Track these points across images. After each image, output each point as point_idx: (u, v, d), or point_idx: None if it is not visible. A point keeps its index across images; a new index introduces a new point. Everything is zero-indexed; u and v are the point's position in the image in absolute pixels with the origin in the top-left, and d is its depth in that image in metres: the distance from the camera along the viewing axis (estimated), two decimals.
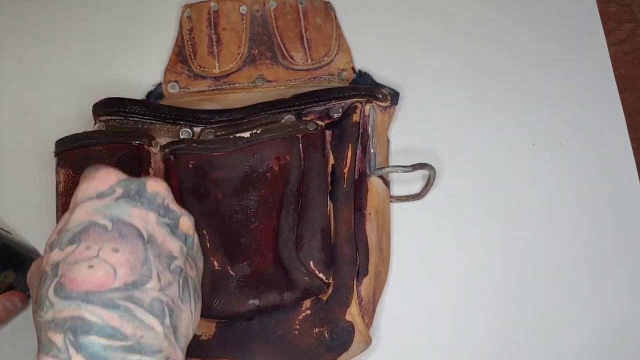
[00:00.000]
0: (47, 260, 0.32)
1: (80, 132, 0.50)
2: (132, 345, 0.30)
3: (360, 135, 0.51)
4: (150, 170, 0.49)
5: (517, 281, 0.52)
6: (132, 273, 0.31)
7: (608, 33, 0.61)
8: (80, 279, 0.30)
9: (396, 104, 0.56)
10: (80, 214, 0.33)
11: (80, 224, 0.32)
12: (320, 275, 0.46)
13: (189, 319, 0.35)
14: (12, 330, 0.51)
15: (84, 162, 0.48)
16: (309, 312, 0.47)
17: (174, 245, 0.35)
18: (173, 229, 0.35)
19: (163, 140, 0.51)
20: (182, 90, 0.58)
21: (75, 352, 0.29)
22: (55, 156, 0.50)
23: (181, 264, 0.35)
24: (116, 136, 0.50)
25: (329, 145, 0.51)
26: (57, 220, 0.48)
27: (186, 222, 0.37)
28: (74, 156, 0.49)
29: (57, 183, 0.49)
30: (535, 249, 0.53)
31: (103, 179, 0.34)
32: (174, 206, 0.36)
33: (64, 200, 0.48)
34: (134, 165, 0.48)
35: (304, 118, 0.52)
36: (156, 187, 0.36)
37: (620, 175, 0.56)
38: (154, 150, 0.50)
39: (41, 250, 0.52)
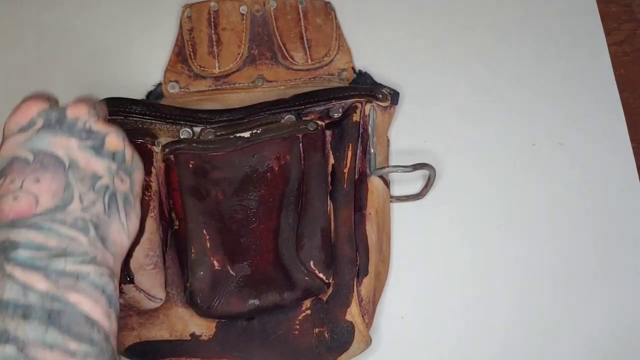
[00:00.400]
0: None
1: None
2: (57, 252, 0.33)
3: (360, 135, 0.51)
4: (153, 170, 0.49)
5: (517, 281, 0.52)
6: (54, 199, 0.34)
7: (608, 33, 0.61)
8: (7, 210, 0.33)
9: (396, 104, 0.56)
10: (5, 150, 0.35)
11: (5, 160, 0.35)
12: (321, 275, 0.46)
13: (120, 228, 0.37)
14: None
15: None
16: (309, 312, 0.47)
17: (99, 165, 0.37)
18: (98, 149, 0.37)
19: (163, 140, 0.51)
20: (182, 90, 0.58)
21: (7, 264, 0.32)
22: None
23: (107, 181, 0.37)
24: None
25: (329, 145, 0.51)
26: None
27: (112, 140, 0.38)
28: None
29: None
30: (535, 248, 0.53)
31: (24, 112, 0.36)
32: (99, 127, 0.38)
33: None
34: None
35: (304, 118, 0.52)
36: (76, 112, 0.37)
37: (620, 175, 0.56)
38: (156, 149, 0.50)
39: None
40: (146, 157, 0.49)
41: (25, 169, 0.34)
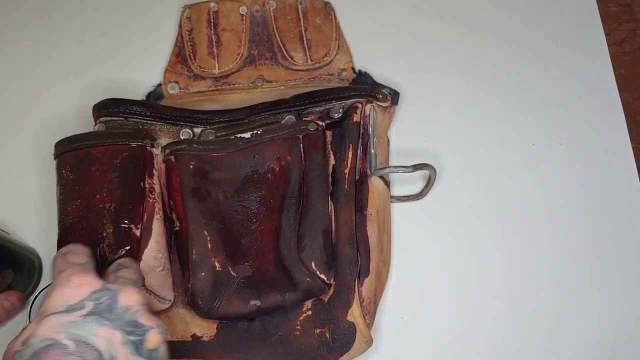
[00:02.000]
0: None
1: (80, 133, 0.50)
2: None
3: (360, 136, 0.51)
4: (154, 172, 0.49)
5: (517, 281, 0.52)
6: None
7: (608, 33, 0.61)
8: None
9: (396, 104, 0.56)
10: (46, 329, 0.32)
11: (44, 341, 0.32)
12: (322, 276, 0.46)
13: None
14: (11, 330, 0.51)
15: (84, 163, 0.48)
16: (310, 312, 0.47)
17: None
18: (138, 345, 0.35)
19: (164, 141, 0.51)
20: (182, 90, 0.58)
21: None
22: (54, 158, 0.49)
23: None
24: (118, 137, 0.49)
25: (329, 146, 0.51)
26: (59, 216, 0.48)
27: (154, 337, 0.36)
28: (75, 157, 0.48)
29: (58, 185, 0.48)
30: (535, 248, 0.53)
31: (75, 290, 0.34)
32: (145, 319, 0.36)
33: (64, 204, 0.48)
34: (137, 167, 0.48)
35: (304, 118, 0.52)
36: (128, 300, 0.35)
37: (620, 175, 0.56)
38: (156, 151, 0.50)
39: (39, 250, 0.53)
40: (147, 160, 0.49)
41: (62, 359, 0.32)
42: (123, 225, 0.45)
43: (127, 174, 0.47)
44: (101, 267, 0.45)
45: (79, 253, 0.38)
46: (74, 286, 0.34)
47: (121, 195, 0.46)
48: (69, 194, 0.47)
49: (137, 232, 0.46)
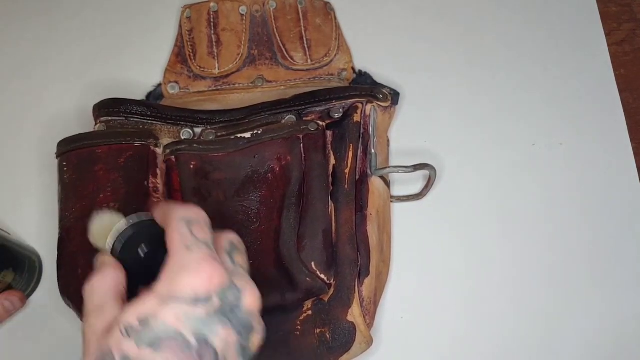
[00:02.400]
0: (119, 344, 0.30)
1: (80, 132, 0.50)
2: None
3: (361, 136, 0.51)
4: (158, 172, 0.49)
5: (518, 281, 0.52)
6: None
7: (608, 33, 0.61)
8: None
9: (396, 104, 0.56)
10: (170, 316, 0.31)
11: (167, 329, 0.30)
12: (322, 276, 0.46)
13: None
14: (11, 330, 0.51)
15: (88, 162, 0.48)
16: (310, 312, 0.47)
17: None
18: (245, 349, 0.33)
19: (164, 141, 0.51)
20: (182, 90, 0.58)
21: None
22: (57, 157, 0.49)
23: None
24: (121, 136, 0.49)
25: (329, 146, 0.51)
26: (60, 216, 0.48)
27: (257, 340, 0.34)
28: (78, 157, 0.48)
29: (59, 185, 0.48)
30: (535, 248, 0.53)
31: (205, 282, 0.32)
32: (255, 322, 0.34)
33: (66, 203, 0.48)
34: (141, 166, 0.48)
35: (304, 118, 0.52)
36: (252, 304, 0.34)
37: (620, 175, 0.56)
38: (159, 150, 0.50)
39: (39, 250, 0.53)
40: (150, 160, 0.49)
41: (182, 355, 0.30)
42: None
43: (131, 173, 0.48)
44: None
45: (204, 225, 0.35)
46: (205, 276, 0.32)
47: (125, 195, 0.47)
48: (71, 194, 0.47)
49: None
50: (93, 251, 0.45)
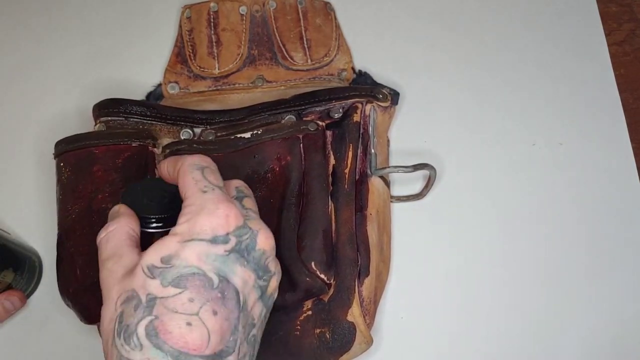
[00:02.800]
0: (144, 285, 0.31)
1: (80, 132, 0.50)
2: None
3: (360, 136, 0.51)
4: (156, 172, 0.49)
5: (517, 281, 0.52)
6: (222, 341, 0.31)
7: (608, 33, 0.61)
8: (177, 335, 0.30)
9: (396, 104, 0.56)
10: (191, 255, 0.32)
11: (190, 268, 0.31)
12: (322, 275, 0.46)
13: None
14: (11, 330, 0.51)
15: (86, 163, 0.48)
16: (310, 312, 0.47)
17: (257, 311, 0.34)
18: (264, 291, 0.34)
19: (164, 141, 0.51)
20: (181, 90, 0.58)
21: None
22: (55, 157, 0.49)
23: (256, 332, 0.34)
24: (119, 137, 0.49)
25: (329, 146, 0.51)
26: (58, 216, 0.48)
27: (274, 283, 0.36)
28: (75, 157, 0.48)
29: (58, 185, 0.48)
30: (535, 248, 0.53)
31: (222, 221, 0.33)
32: (272, 265, 0.35)
33: (64, 204, 0.48)
34: (139, 167, 0.48)
35: (304, 118, 0.52)
36: (265, 244, 0.35)
37: (620, 175, 0.56)
38: (157, 151, 0.50)
39: (39, 250, 0.53)
40: (148, 159, 0.49)
41: (206, 293, 0.31)
42: None
43: (129, 173, 0.47)
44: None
45: (215, 171, 0.36)
46: (222, 216, 0.33)
47: None
48: (69, 194, 0.47)
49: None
50: (91, 252, 0.45)
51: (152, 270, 0.31)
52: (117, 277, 0.33)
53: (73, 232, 0.46)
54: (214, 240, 0.32)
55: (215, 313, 0.31)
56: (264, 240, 0.34)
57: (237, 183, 0.39)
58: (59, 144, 0.49)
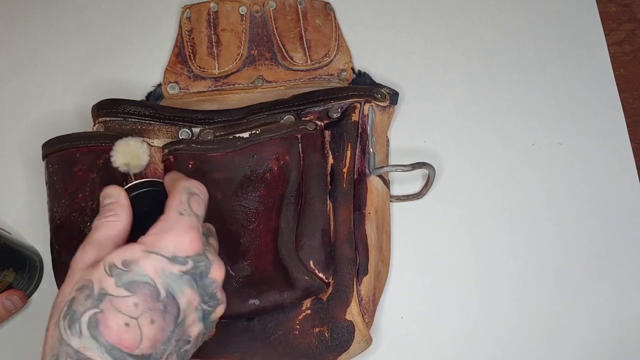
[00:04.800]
0: (100, 279, 0.33)
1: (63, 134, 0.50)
2: None
3: (359, 135, 0.51)
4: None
5: (517, 280, 0.52)
6: (152, 347, 0.33)
7: (608, 33, 0.61)
8: (114, 331, 0.32)
9: (395, 103, 0.56)
10: (149, 266, 0.34)
11: (144, 277, 0.34)
12: (320, 274, 0.46)
13: None
14: (11, 330, 0.51)
15: (68, 163, 0.48)
16: (309, 311, 0.47)
17: (196, 331, 0.36)
18: (207, 315, 0.37)
19: (162, 141, 0.51)
20: (181, 91, 0.58)
21: None
22: (43, 159, 0.50)
23: (190, 348, 0.36)
24: (101, 138, 0.50)
25: (328, 145, 0.51)
26: (49, 217, 0.49)
27: (220, 310, 0.38)
28: (59, 158, 0.49)
29: (46, 186, 0.49)
30: (535, 248, 0.53)
31: (186, 246, 0.36)
32: (220, 294, 0.38)
33: (51, 204, 0.48)
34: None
35: (303, 118, 0.52)
36: (217, 274, 0.37)
37: (620, 175, 0.56)
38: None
39: (40, 250, 0.53)
40: None
41: (151, 302, 0.33)
42: None
43: (109, 173, 0.48)
44: None
45: (201, 201, 0.39)
46: (186, 241, 0.36)
47: None
48: (54, 194, 0.48)
49: None
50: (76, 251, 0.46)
51: (112, 269, 0.34)
52: (85, 263, 0.35)
53: (59, 232, 0.47)
54: (173, 259, 0.35)
55: (152, 322, 0.33)
56: (217, 271, 0.37)
57: (209, 225, 0.42)
58: (44, 146, 0.50)
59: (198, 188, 0.39)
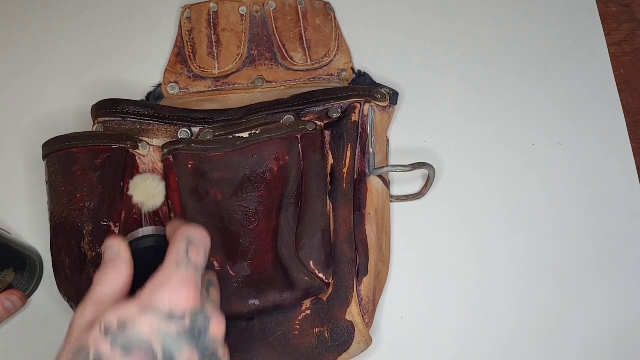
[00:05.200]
0: (96, 341, 0.33)
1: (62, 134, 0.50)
2: None
3: (359, 135, 0.51)
4: (135, 173, 0.49)
5: (517, 281, 0.52)
6: None
7: (608, 33, 0.61)
8: None
9: (395, 103, 0.56)
10: (145, 327, 0.33)
11: (140, 339, 0.33)
12: (320, 275, 0.46)
13: None
14: (11, 330, 0.51)
15: (67, 163, 0.48)
16: (309, 312, 0.47)
17: None
18: None
19: (162, 141, 0.51)
20: (181, 91, 0.58)
21: None
22: (43, 159, 0.50)
23: None
24: (100, 138, 0.50)
25: (328, 146, 0.51)
26: (49, 217, 0.49)
27: None
28: (58, 158, 0.49)
29: (46, 186, 0.49)
30: (535, 248, 0.53)
31: (183, 302, 0.34)
32: (221, 351, 0.37)
33: (51, 204, 0.49)
34: (118, 168, 0.49)
35: (303, 118, 0.52)
36: (217, 331, 0.36)
37: (620, 175, 0.56)
38: (142, 152, 0.50)
39: (40, 250, 0.53)
40: (128, 162, 0.49)
41: None
42: (102, 223, 0.47)
43: (107, 173, 0.48)
44: (82, 264, 0.46)
45: (201, 249, 0.37)
46: (183, 296, 0.34)
47: (101, 194, 0.48)
48: (54, 194, 0.49)
49: (117, 230, 0.47)
50: (76, 250, 0.46)
51: (108, 330, 0.33)
52: (84, 322, 0.34)
53: (59, 232, 0.47)
54: (169, 316, 0.34)
55: None
56: (216, 327, 0.36)
57: (210, 276, 0.41)
58: (45, 146, 0.50)
59: (199, 235, 0.38)
